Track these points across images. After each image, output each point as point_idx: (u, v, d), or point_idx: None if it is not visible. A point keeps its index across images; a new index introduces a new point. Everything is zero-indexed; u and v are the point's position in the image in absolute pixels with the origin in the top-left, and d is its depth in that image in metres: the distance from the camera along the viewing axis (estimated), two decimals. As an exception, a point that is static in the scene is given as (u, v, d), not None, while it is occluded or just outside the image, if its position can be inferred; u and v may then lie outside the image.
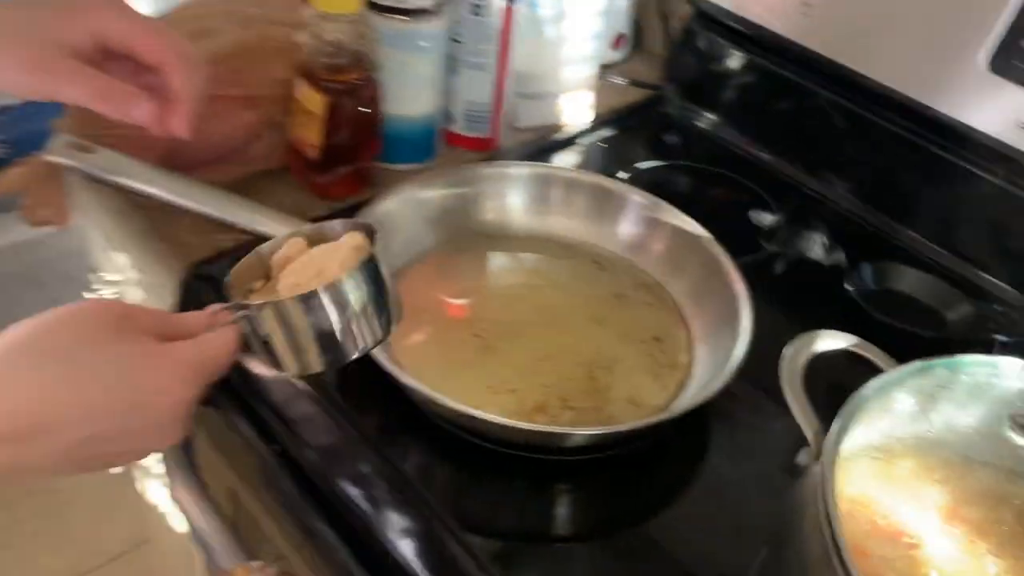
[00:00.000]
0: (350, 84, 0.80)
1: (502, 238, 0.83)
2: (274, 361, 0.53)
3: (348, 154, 0.83)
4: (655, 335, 0.75)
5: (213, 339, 0.49)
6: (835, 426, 0.51)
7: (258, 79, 0.81)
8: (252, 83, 0.81)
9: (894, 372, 0.55)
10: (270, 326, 0.51)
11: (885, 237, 0.92)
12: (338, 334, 0.53)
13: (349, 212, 0.84)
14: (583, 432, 0.62)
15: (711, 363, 0.71)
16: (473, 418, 0.61)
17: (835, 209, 0.95)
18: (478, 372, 0.70)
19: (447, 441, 0.65)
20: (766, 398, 0.73)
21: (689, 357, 0.74)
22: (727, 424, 0.69)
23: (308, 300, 0.51)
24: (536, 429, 0.62)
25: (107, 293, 0.91)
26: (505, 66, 0.91)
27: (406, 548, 0.57)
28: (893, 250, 0.90)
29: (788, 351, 0.56)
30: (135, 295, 0.89)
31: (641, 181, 0.95)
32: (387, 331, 0.56)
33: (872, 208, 0.94)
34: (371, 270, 0.54)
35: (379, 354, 0.66)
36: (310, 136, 0.82)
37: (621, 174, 0.96)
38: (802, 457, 0.53)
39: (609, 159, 1.00)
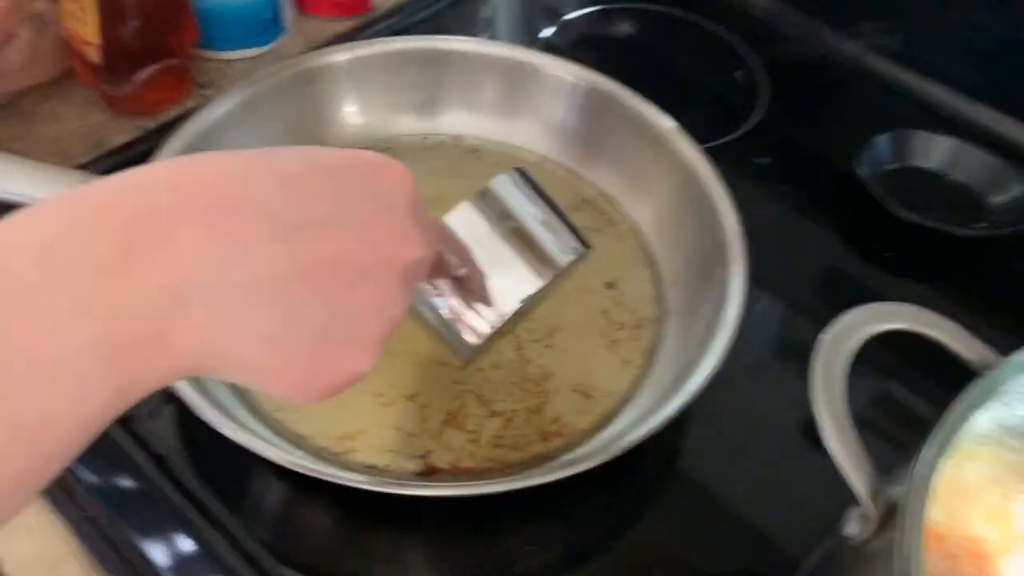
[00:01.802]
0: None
1: (378, 150, 0.59)
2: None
3: (147, 49, 0.57)
4: (608, 279, 0.54)
5: None
6: (913, 490, 0.31)
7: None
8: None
9: (985, 381, 0.34)
10: None
11: (903, 93, 0.69)
12: None
13: (162, 131, 0.59)
14: (502, 488, 0.40)
15: (689, 315, 0.51)
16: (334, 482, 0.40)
17: (836, 60, 0.71)
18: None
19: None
20: (767, 351, 0.53)
21: (657, 309, 0.52)
22: (713, 402, 0.49)
23: None
24: (433, 495, 0.40)
25: None
26: None
27: None
28: (915, 112, 0.68)
29: (817, 355, 0.35)
30: None
31: (571, 41, 0.71)
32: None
33: (884, 56, 0.70)
34: None
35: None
36: (84, 31, 0.55)
37: (545, 31, 0.71)
38: (851, 525, 0.34)
39: (526, 9, 0.74)
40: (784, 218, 0.60)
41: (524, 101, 0.59)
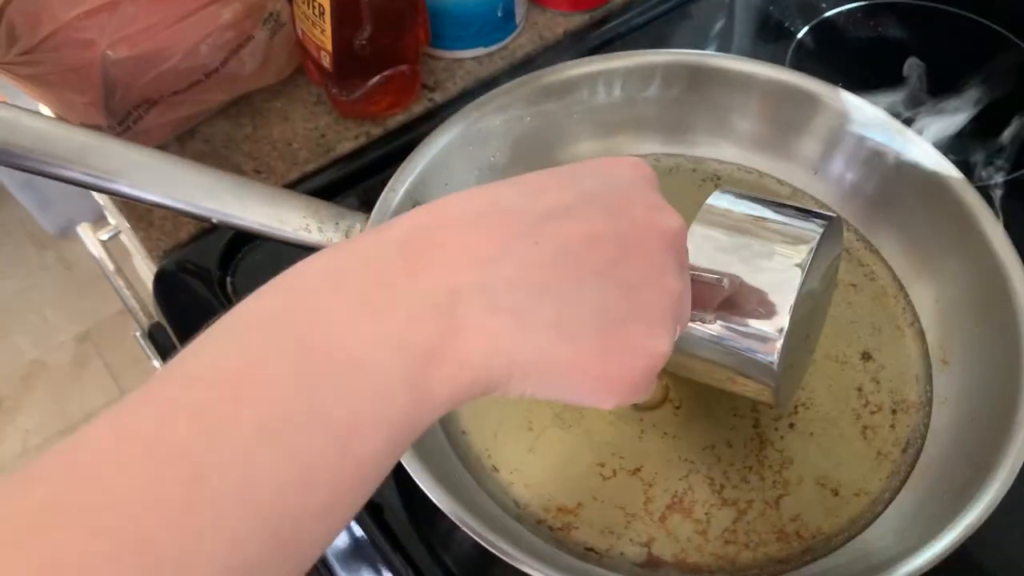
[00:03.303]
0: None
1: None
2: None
3: (379, 56, 0.55)
4: (863, 348, 0.47)
5: None
6: None
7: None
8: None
9: None
10: None
11: None
12: None
13: (388, 138, 0.58)
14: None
15: (961, 407, 0.44)
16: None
17: None
18: (573, 438, 0.45)
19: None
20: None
21: (921, 392, 0.46)
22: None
23: None
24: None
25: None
26: None
27: None
28: None
29: None
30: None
31: (829, 44, 0.63)
32: None
33: None
34: None
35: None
36: (318, 35, 0.54)
37: (801, 31, 0.63)
38: None
39: (777, 3, 0.66)
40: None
41: (784, 134, 0.52)
